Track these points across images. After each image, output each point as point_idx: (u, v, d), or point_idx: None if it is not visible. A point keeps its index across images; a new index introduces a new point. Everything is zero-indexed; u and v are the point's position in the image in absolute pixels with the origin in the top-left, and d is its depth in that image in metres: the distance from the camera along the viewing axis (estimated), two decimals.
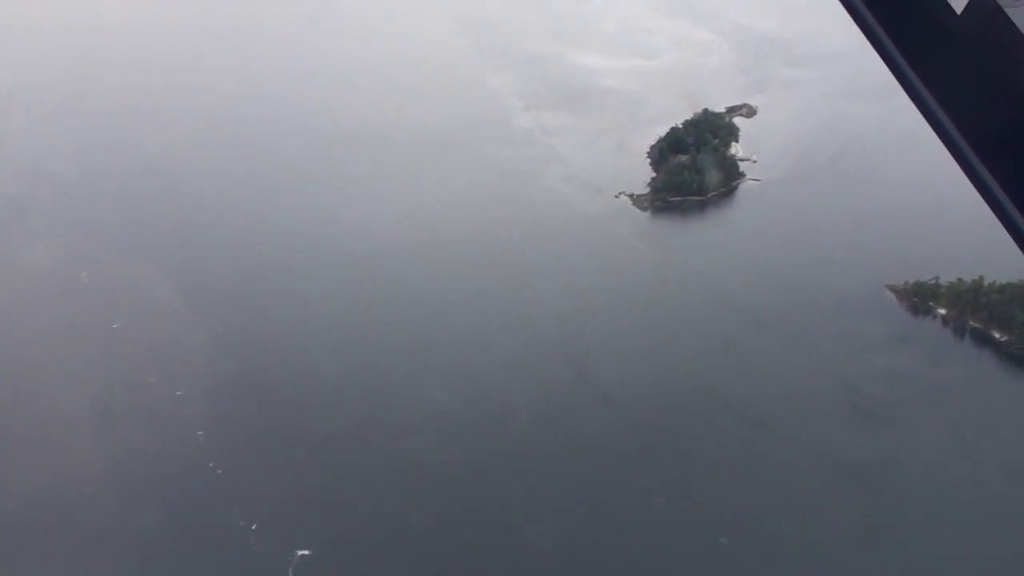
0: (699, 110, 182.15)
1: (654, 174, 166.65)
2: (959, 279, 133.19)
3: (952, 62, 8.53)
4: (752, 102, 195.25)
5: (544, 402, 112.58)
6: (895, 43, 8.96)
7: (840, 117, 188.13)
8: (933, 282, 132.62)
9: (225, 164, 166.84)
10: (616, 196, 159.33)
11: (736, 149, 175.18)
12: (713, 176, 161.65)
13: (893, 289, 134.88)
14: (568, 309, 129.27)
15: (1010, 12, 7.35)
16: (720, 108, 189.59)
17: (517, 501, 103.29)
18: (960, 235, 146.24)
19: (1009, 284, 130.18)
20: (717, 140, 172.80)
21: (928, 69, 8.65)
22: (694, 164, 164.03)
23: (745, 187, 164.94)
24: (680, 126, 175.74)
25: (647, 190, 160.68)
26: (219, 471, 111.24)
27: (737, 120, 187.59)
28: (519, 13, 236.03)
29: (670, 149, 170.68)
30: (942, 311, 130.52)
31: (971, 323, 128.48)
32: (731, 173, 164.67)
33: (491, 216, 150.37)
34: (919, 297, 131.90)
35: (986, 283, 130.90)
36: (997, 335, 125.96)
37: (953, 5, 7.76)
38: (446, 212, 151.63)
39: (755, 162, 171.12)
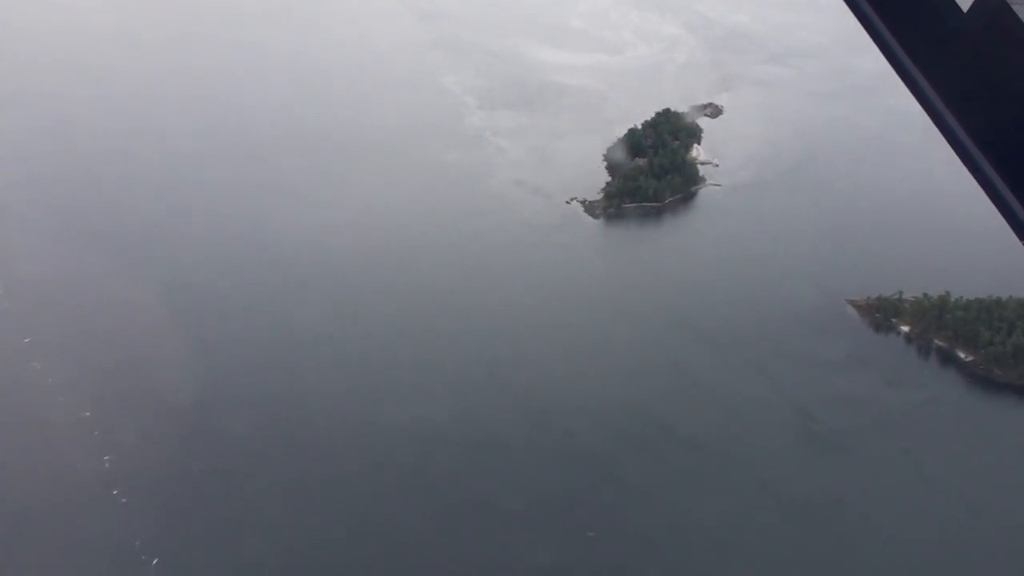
0: (661, 110, 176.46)
1: (609, 179, 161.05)
2: (924, 294, 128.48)
3: (957, 60, 8.38)
4: (718, 101, 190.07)
5: (473, 430, 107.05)
6: (898, 40, 8.73)
7: (810, 119, 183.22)
8: (897, 297, 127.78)
9: (157, 169, 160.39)
10: (567, 202, 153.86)
11: (697, 152, 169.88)
12: (670, 181, 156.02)
13: (855, 304, 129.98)
14: (505, 328, 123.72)
15: (1017, 9, 7.64)
16: (684, 108, 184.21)
17: (437, 540, 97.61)
18: (927, 248, 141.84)
19: (976, 300, 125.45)
20: (677, 142, 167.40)
21: (933, 67, 8.48)
22: (651, 168, 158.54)
23: (705, 193, 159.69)
24: (639, 127, 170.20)
25: (600, 196, 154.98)
26: (123, 500, 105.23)
27: (701, 121, 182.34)
28: (480, 6, 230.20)
29: (627, 152, 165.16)
30: (905, 328, 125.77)
31: (936, 341, 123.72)
32: (690, 178, 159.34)
33: (431, 225, 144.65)
34: (882, 313, 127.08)
35: (952, 299, 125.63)
36: (962, 355, 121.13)
37: (959, 2, 7.84)
38: (381, 221, 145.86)
39: (717, 166, 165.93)
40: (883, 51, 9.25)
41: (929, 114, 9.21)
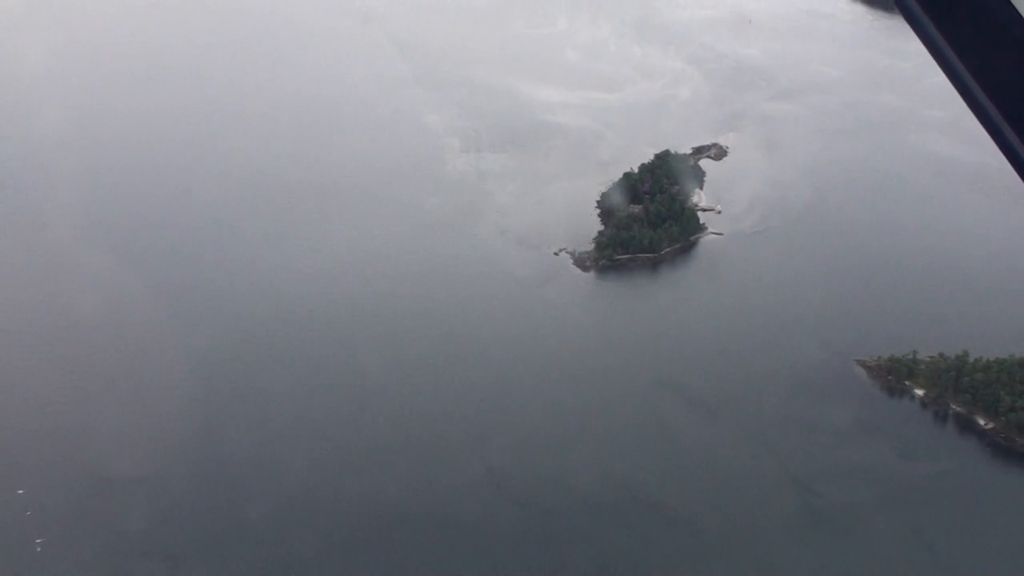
0: (660, 151, 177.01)
1: (602, 227, 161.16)
2: (940, 354, 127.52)
3: (1009, 60, 8.39)
4: (723, 141, 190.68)
5: (437, 506, 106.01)
6: (948, 42, 8.68)
7: (820, 159, 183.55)
8: (910, 357, 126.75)
9: (114, 214, 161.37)
10: (555, 253, 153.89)
11: (699, 197, 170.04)
12: (668, 230, 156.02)
13: (864, 365, 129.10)
14: (480, 391, 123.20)
15: None
16: (685, 149, 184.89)
17: None
18: (946, 302, 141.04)
19: (997, 361, 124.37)
20: (677, 187, 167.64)
21: (984, 70, 8.59)
22: (647, 216, 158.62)
23: (705, 242, 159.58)
24: (635, 171, 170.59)
25: (592, 246, 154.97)
26: None
27: (703, 163, 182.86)
28: (467, 38, 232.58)
29: (621, 198, 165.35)
30: (920, 392, 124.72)
31: (953, 406, 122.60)
32: (689, 226, 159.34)
33: (405, 279, 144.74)
34: (894, 375, 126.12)
35: (971, 359, 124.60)
36: (982, 421, 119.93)
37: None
38: (356, 272, 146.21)
39: (719, 212, 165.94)
40: (934, 55, 9.25)
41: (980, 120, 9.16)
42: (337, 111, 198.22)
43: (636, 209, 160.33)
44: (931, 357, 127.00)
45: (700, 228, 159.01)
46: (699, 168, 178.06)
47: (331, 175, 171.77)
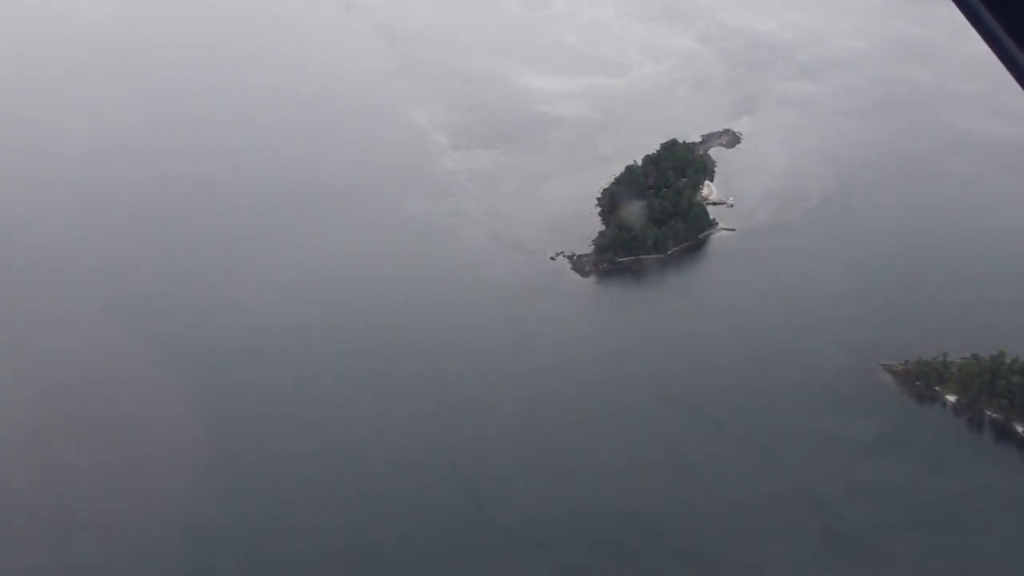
0: (667, 141, 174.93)
1: (603, 227, 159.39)
2: (974, 356, 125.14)
3: None
4: (736, 127, 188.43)
5: (427, 542, 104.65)
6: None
7: (843, 144, 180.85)
8: (941, 360, 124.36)
9: (77, 216, 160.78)
10: (552, 258, 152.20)
11: (709, 190, 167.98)
12: (674, 228, 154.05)
13: (890, 370, 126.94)
14: (471, 412, 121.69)
15: None
16: (694, 137, 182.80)
17: None
18: (980, 298, 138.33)
19: None
20: (684, 180, 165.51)
21: None
22: (652, 213, 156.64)
23: (716, 240, 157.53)
24: (638, 164, 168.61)
25: (591, 249, 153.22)
26: None
27: (714, 151, 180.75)
28: (458, 23, 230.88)
29: (624, 194, 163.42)
30: (951, 398, 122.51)
31: (988, 413, 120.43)
32: (699, 222, 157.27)
33: (389, 289, 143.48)
34: (923, 380, 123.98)
35: (1008, 360, 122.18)
36: (1020, 428, 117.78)
37: None
38: (335, 284, 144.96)
39: (731, 206, 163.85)
40: (970, 18, 9.67)
41: None
42: (318, 107, 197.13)
43: (640, 206, 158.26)
44: (964, 359, 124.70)
45: (710, 224, 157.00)
46: (709, 158, 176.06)
47: (310, 177, 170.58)
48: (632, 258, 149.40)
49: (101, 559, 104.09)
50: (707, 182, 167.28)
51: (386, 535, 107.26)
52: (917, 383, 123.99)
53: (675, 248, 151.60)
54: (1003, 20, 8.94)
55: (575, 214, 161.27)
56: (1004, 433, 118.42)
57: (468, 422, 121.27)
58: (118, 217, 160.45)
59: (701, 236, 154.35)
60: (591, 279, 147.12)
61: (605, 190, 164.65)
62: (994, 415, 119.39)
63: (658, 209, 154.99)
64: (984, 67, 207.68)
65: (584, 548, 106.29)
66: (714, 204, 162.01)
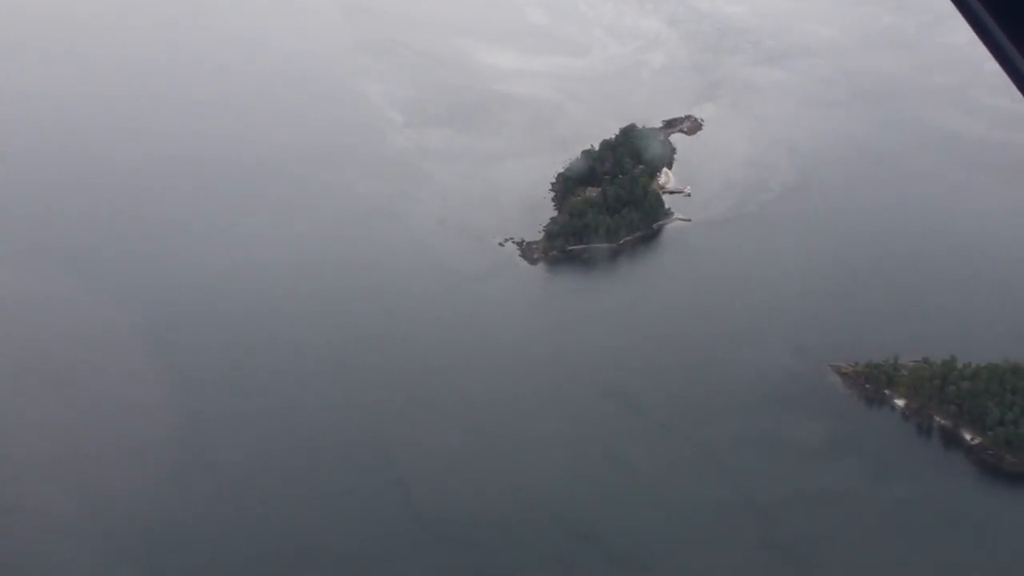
0: (626, 125, 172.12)
1: (556, 213, 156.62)
2: (925, 360, 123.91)
3: None
4: (699, 113, 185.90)
5: (352, 540, 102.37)
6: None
7: (807, 135, 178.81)
8: (891, 363, 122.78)
9: (15, 199, 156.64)
10: (500, 244, 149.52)
11: (667, 178, 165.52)
12: (628, 216, 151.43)
13: (840, 371, 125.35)
14: (404, 405, 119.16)
15: None
16: (655, 123, 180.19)
17: None
18: (935, 300, 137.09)
19: (988, 367, 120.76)
20: (641, 167, 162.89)
21: None
22: (605, 200, 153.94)
23: (670, 230, 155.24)
24: (595, 148, 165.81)
25: (542, 235, 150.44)
26: None
27: (675, 138, 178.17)
28: None
29: (577, 180, 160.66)
30: (900, 402, 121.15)
31: (937, 419, 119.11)
32: (653, 211, 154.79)
33: (329, 274, 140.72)
34: (872, 383, 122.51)
35: (959, 365, 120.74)
36: (968, 436, 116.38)
37: None
38: (270, 269, 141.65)
39: (688, 196, 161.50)
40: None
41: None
42: (266, 83, 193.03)
43: (593, 193, 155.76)
44: (915, 363, 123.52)
45: (665, 214, 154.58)
46: (669, 144, 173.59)
47: (252, 156, 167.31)
48: (583, 246, 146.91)
49: None
50: (665, 170, 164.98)
51: (310, 533, 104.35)
52: (867, 386, 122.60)
53: (627, 237, 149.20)
54: (1001, 20, 8.75)
55: (527, 199, 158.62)
56: (952, 440, 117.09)
57: (401, 416, 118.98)
58: (52, 193, 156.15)
59: (655, 226, 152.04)
60: (539, 267, 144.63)
61: (559, 175, 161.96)
62: (943, 421, 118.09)
63: (612, 196, 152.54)
64: (955, 60, 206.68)
65: (515, 551, 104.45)
66: (671, 193, 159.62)
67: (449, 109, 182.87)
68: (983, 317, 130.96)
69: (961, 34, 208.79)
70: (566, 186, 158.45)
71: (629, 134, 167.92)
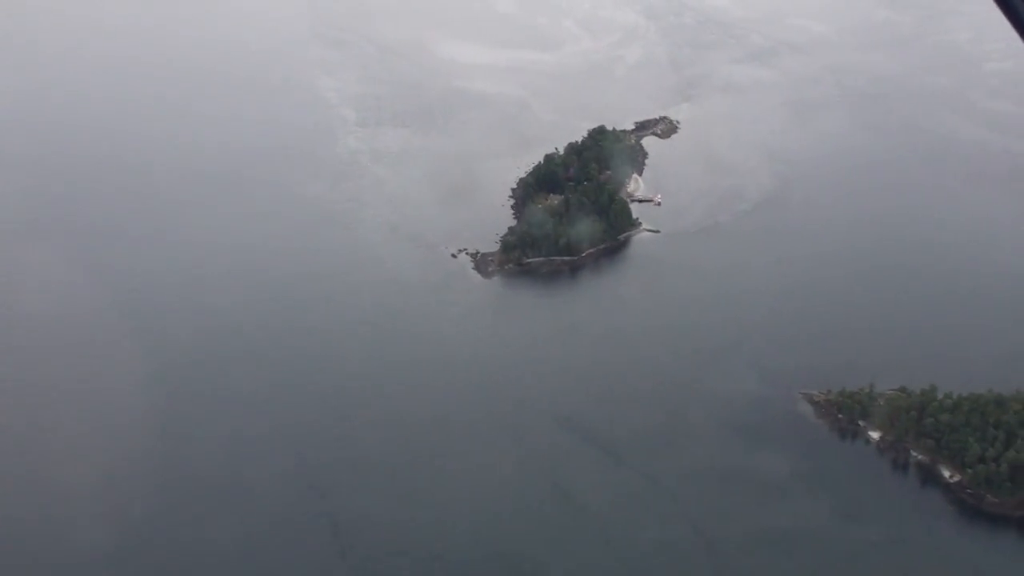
0: (595, 127, 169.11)
1: (515, 222, 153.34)
2: (902, 389, 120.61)
3: None
4: (674, 115, 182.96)
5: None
6: None
7: (790, 139, 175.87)
8: (867, 392, 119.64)
9: None
10: (453, 255, 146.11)
11: (635, 185, 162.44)
12: (591, 227, 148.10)
13: (811, 400, 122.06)
14: (340, 434, 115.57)
15: None
16: (627, 124, 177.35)
17: None
18: (916, 323, 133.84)
19: (970, 398, 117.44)
20: (608, 173, 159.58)
21: None
22: (567, 209, 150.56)
23: (637, 242, 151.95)
24: (560, 152, 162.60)
25: (498, 246, 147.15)
26: None
27: (647, 141, 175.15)
28: None
29: (539, 186, 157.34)
30: (875, 435, 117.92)
31: (913, 453, 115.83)
32: (619, 221, 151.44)
33: (267, 286, 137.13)
34: (845, 413, 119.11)
35: (939, 396, 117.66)
36: (947, 473, 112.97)
37: None
38: (204, 280, 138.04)
39: (658, 204, 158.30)
40: None
41: None
42: (214, 76, 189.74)
43: (556, 200, 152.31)
44: (892, 391, 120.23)
45: (632, 224, 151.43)
46: (640, 148, 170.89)
47: (192, 156, 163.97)
48: (541, 259, 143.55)
49: None
50: (634, 176, 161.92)
51: (234, 563, 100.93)
52: (839, 416, 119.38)
53: (590, 250, 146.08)
54: None
55: (486, 206, 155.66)
56: (929, 477, 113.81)
57: (336, 442, 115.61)
58: None
59: (621, 237, 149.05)
60: (494, 280, 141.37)
61: (521, 180, 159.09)
62: (920, 456, 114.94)
63: (575, 205, 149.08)
64: (954, 60, 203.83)
65: None
66: (640, 201, 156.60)
67: (406, 107, 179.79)
68: (969, 341, 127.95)
69: (961, 32, 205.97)
70: (526, 192, 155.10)
71: (597, 137, 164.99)
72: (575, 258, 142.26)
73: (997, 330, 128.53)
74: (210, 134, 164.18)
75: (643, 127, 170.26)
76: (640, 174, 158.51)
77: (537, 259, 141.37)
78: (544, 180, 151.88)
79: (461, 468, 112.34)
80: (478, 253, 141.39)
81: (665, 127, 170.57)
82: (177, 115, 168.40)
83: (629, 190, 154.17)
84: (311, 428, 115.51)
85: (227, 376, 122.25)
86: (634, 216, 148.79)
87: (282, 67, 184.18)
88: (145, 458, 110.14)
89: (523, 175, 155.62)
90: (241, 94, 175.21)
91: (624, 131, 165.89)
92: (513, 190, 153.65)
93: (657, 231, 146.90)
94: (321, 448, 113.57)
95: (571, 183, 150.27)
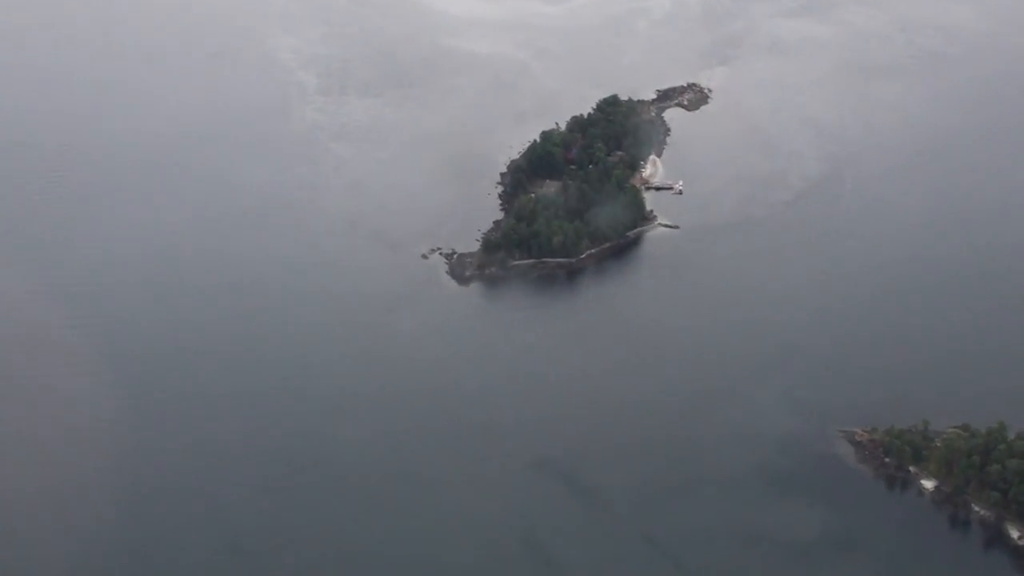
0: (607, 96, 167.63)
1: (503, 215, 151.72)
2: (964, 427, 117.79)
3: None
4: (705, 81, 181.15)
5: None
6: None
7: (846, 112, 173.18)
8: (921, 430, 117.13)
9: None
10: (424, 256, 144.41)
11: (652, 169, 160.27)
12: (593, 222, 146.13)
13: (853, 439, 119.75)
14: (281, 480, 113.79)
15: None
16: (647, 93, 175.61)
17: None
18: (980, 347, 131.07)
19: None
20: (620, 154, 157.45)
21: None
22: (566, 199, 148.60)
23: (650, 241, 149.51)
24: (561, 128, 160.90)
25: (479, 245, 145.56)
26: None
27: (670, 114, 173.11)
28: None
29: (533, 171, 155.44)
30: (929, 484, 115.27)
31: (975, 508, 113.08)
32: (629, 215, 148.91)
33: (196, 294, 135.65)
34: (894, 456, 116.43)
35: (1009, 436, 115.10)
36: (1015, 533, 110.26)
37: None
38: (127, 284, 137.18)
39: (680, 193, 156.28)
40: None
41: None
42: (149, 40, 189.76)
43: (552, 188, 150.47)
44: (952, 430, 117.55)
45: (645, 218, 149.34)
46: (662, 122, 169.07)
47: (119, 137, 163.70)
48: (531, 262, 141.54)
49: None
50: (652, 158, 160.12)
51: None
52: (886, 460, 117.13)
53: (591, 250, 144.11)
54: None
55: (468, 196, 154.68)
56: (994, 537, 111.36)
57: (276, 485, 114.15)
58: None
59: (631, 234, 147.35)
60: (471, 289, 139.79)
61: (512, 163, 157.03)
62: (983, 511, 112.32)
63: (575, 195, 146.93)
64: None
65: None
66: (657, 189, 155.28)
67: (379, 71, 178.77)
68: None
69: None
70: (517, 179, 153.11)
71: (608, 109, 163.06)
72: (572, 260, 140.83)
73: None
74: (139, 110, 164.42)
75: (666, 96, 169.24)
76: (659, 155, 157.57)
77: (526, 261, 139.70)
78: (540, 163, 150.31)
79: (422, 516, 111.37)
80: (454, 254, 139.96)
81: (693, 96, 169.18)
82: (100, 88, 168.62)
83: (644, 175, 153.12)
84: (254, 476, 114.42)
85: (141, 410, 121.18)
86: (648, 208, 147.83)
87: (230, 25, 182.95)
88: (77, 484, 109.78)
89: (515, 156, 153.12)
90: (180, 60, 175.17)
91: (643, 102, 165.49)
92: (502, 175, 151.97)
93: (676, 227, 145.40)
94: (259, 494, 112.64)
95: (572, 167, 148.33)
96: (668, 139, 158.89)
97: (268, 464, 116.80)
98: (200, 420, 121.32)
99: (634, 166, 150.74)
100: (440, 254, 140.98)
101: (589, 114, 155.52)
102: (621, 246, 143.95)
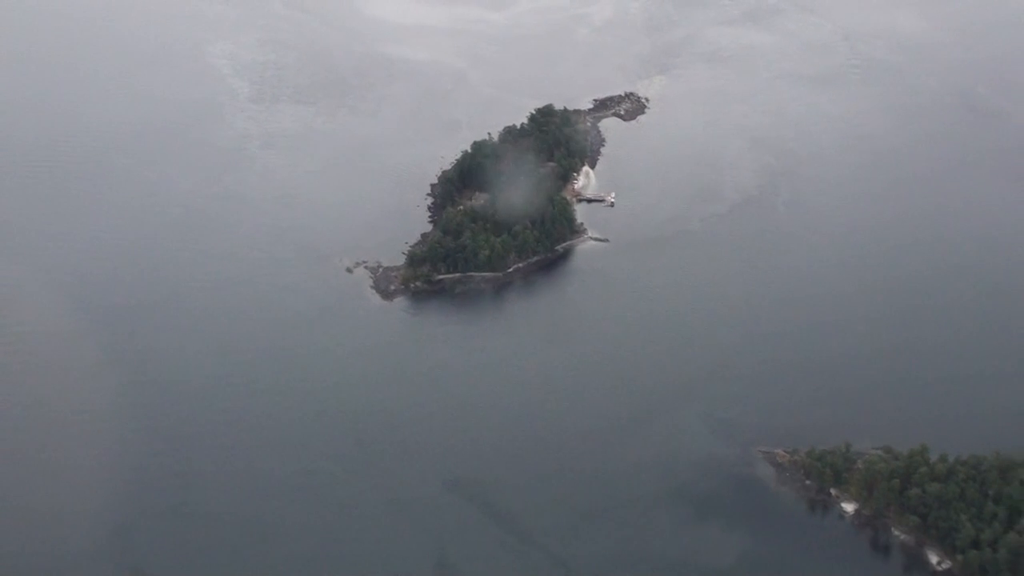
0: (542, 106, 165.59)
1: (431, 228, 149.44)
2: (886, 449, 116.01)
3: None
4: (643, 90, 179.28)
5: None
6: None
7: (785, 121, 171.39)
8: (842, 451, 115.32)
9: None
10: (349, 269, 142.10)
11: (585, 181, 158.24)
12: (521, 236, 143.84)
13: (774, 460, 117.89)
14: (186, 508, 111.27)
15: None
16: (584, 102, 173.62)
17: None
18: (906, 367, 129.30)
19: (969, 460, 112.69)
20: (552, 165, 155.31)
21: None
22: (494, 212, 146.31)
23: (580, 254, 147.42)
24: (493, 138, 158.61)
25: (405, 258, 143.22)
26: None
27: (606, 124, 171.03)
28: None
29: (463, 182, 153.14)
30: (850, 507, 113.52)
31: (896, 532, 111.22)
32: (558, 229, 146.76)
33: (114, 306, 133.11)
34: (815, 478, 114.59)
35: (930, 459, 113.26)
36: (934, 559, 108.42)
37: None
38: (41, 295, 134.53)
39: (612, 205, 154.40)
40: None
41: None
42: (77, 41, 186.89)
43: (480, 201, 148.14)
44: (873, 452, 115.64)
45: (575, 232, 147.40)
46: (596, 133, 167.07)
47: (35, 143, 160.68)
48: (456, 275, 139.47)
49: None
50: (585, 169, 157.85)
51: None
52: (807, 482, 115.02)
53: (518, 264, 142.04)
54: None
55: (397, 208, 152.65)
56: (914, 562, 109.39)
57: (183, 513, 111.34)
58: None
59: (559, 248, 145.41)
60: (395, 304, 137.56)
61: (443, 174, 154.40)
62: (903, 536, 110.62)
63: (503, 207, 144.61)
64: (1004, 22, 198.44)
65: None
66: (589, 201, 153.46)
67: (313, 79, 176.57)
68: (976, 391, 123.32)
69: None
70: (447, 190, 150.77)
71: (542, 120, 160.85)
72: (499, 275, 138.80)
73: (1013, 377, 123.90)
74: (63, 116, 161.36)
75: (603, 106, 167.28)
76: (593, 166, 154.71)
77: (451, 275, 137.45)
78: (470, 174, 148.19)
79: (330, 538, 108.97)
80: (380, 267, 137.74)
81: (631, 106, 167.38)
82: (23, 93, 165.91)
83: (576, 187, 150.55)
84: (155, 504, 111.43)
85: (51, 421, 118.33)
86: (579, 221, 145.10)
87: (166, 29, 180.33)
88: None
89: (447, 167, 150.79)
90: (111, 65, 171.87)
91: (578, 111, 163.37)
92: (432, 187, 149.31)
93: (606, 240, 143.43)
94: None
95: (503, 179, 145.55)
96: (603, 150, 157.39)
97: (176, 490, 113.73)
98: (108, 443, 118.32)
99: (566, 177, 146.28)
100: (365, 268, 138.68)
101: (522, 124, 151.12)
102: (549, 260, 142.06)
